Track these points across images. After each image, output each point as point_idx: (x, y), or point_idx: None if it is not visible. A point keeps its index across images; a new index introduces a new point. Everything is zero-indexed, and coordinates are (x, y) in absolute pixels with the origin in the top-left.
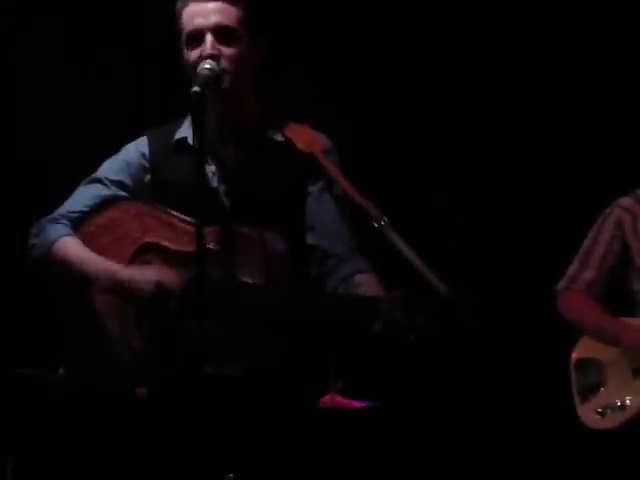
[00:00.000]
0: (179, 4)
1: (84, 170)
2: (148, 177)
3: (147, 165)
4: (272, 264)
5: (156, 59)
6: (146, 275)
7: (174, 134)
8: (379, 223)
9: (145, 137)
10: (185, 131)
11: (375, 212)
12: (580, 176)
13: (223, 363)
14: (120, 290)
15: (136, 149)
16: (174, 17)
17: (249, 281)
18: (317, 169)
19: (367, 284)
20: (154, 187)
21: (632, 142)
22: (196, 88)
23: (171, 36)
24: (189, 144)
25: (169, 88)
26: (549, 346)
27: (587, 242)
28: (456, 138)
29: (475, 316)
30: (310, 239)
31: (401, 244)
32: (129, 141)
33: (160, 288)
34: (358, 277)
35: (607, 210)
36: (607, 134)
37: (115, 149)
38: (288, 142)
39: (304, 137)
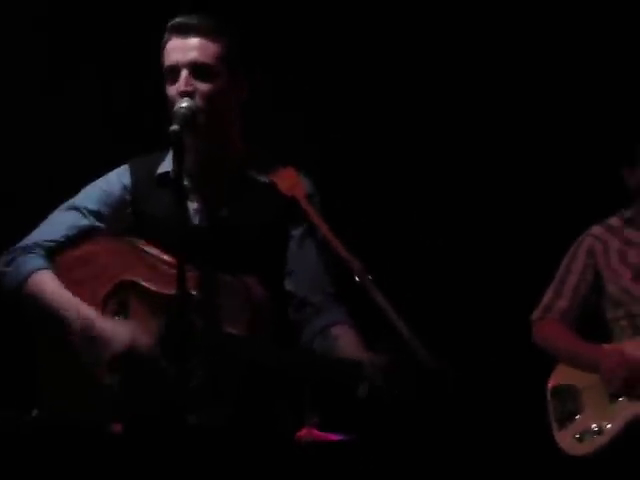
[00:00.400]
0: (164, 38)
1: (54, 194)
2: (129, 209)
3: (128, 197)
4: (255, 312)
5: (137, 85)
6: (120, 336)
7: (157, 167)
8: (362, 279)
9: (127, 167)
10: (168, 165)
11: (358, 266)
12: (551, 206)
13: (202, 411)
14: (92, 342)
15: (118, 180)
16: (160, 50)
17: (232, 329)
18: (300, 213)
19: (344, 338)
20: (136, 218)
21: (602, 172)
22: (175, 127)
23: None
24: (171, 179)
25: (148, 113)
26: (525, 375)
27: (560, 271)
28: (426, 178)
29: (454, 388)
30: (289, 284)
31: (384, 303)
32: (105, 165)
33: (132, 351)
34: (334, 329)
35: (579, 239)
36: (577, 165)
37: (90, 172)
38: (272, 185)
39: (288, 181)
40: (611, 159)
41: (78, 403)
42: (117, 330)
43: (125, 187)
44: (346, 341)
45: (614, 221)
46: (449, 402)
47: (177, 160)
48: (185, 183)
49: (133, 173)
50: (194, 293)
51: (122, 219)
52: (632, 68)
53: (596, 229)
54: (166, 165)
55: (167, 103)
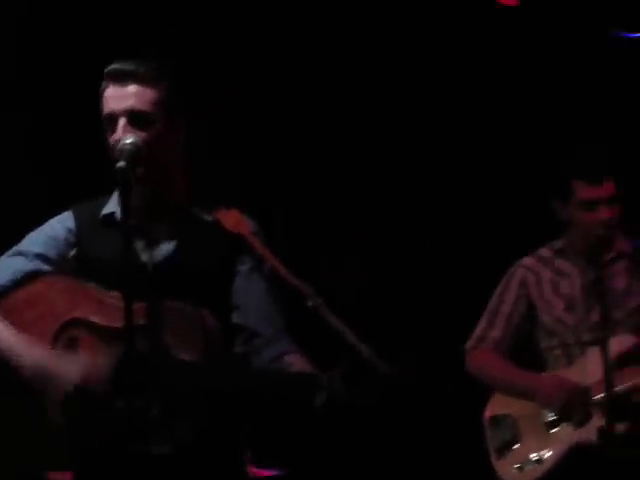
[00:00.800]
0: (102, 85)
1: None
2: (73, 252)
3: (73, 240)
4: (209, 341)
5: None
6: (71, 373)
7: (101, 209)
8: (313, 302)
9: (70, 212)
10: (113, 206)
11: (308, 291)
12: (481, 236)
13: (155, 442)
14: (46, 383)
15: (62, 224)
16: (99, 98)
17: (186, 356)
18: (245, 250)
19: (297, 364)
20: (79, 262)
21: (530, 203)
22: (122, 164)
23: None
24: (117, 219)
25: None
26: (460, 405)
27: (493, 302)
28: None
29: (411, 390)
30: (237, 318)
31: (336, 322)
32: (49, 214)
33: (86, 383)
34: (287, 358)
35: (511, 270)
36: (506, 196)
37: (35, 223)
38: (217, 223)
39: (232, 219)
40: (542, 192)
41: (24, 453)
42: (68, 367)
43: (69, 230)
44: (300, 367)
45: (544, 252)
46: (407, 406)
47: (125, 197)
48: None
49: (77, 217)
50: (144, 323)
51: (66, 262)
52: (565, 104)
53: (527, 260)
54: (110, 207)
55: (108, 151)
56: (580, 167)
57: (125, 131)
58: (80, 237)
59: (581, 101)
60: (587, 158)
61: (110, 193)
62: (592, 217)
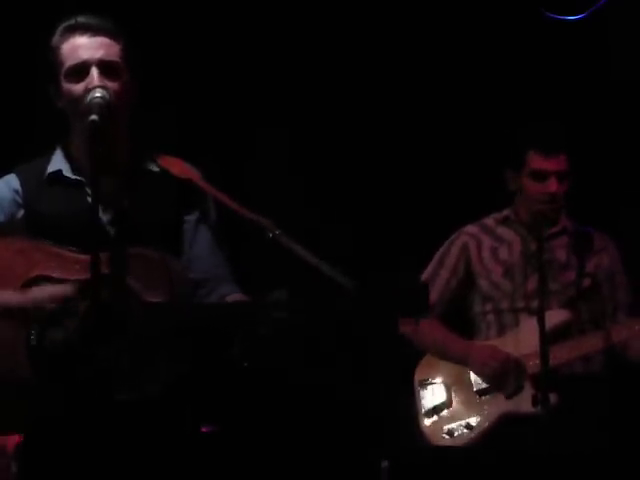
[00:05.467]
0: (56, 38)
1: None
2: (22, 213)
3: (20, 201)
4: (175, 282)
5: None
6: (47, 290)
7: (45, 168)
8: (273, 233)
9: (13, 174)
10: (58, 164)
11: (267, 223)
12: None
13: (123, 389)
14: (22, 310)
15: (7, 186)
16: (49, 50)
17: (153, 298)
18: (193, 198)
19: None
20: (28, 223)
21: (476, 174)
22: (94, 117)
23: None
24: (64, 176)
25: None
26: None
27: (432, 265)
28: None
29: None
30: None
31: (297, 248)
32: None
33: (64, 300)
34: (229, 297)
35: (453, 236)
36: (453, 168)
37: None
38: (164, 172)
39: (178, 167)
40: (494, 160)
41: None
42: (40, 290)
43: (16, 191)
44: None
45: (488, 221)
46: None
47: (95, 151)
48: (79, 178)
49: (21, 178)
50: (107, 272)
51: (16, 224)
52: (527, 77)
53: (470, 228)
54: (56, 164)
55: (66, 101)
56: (537, 137)
57: (100, 80)
58: (27, 197)
59: (536, 79)
60: (545, 130)
61: (52, 150)
62: (540, 188)
